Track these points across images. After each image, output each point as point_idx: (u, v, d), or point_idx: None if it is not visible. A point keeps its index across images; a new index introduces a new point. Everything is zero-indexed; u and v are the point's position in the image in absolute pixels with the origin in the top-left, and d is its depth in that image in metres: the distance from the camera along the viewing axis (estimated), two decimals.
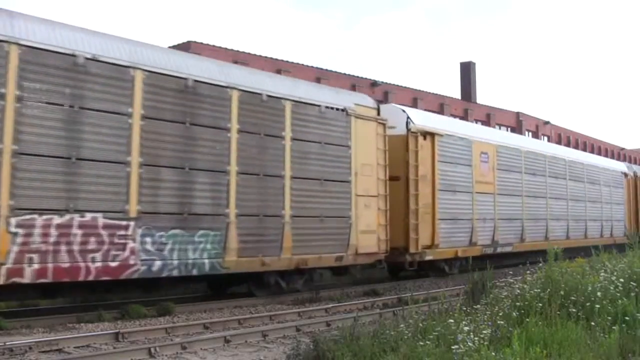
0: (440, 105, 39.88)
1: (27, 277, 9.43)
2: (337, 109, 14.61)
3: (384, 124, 15.93)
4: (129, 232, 10.64)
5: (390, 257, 16.09)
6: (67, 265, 9.83)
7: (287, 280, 13.82)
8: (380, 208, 15.54)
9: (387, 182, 15.79)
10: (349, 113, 14.87)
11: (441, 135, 17.96)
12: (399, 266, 17.14)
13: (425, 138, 17.36)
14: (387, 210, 15.73)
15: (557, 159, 24.72)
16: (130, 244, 10.64)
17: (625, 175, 31.16)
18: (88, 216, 10.17)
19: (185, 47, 25.16)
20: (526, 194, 22.02)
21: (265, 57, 29.95)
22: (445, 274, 18.30)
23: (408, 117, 17.13)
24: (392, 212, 16.00)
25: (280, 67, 28.46)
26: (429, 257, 17.24)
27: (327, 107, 14.35)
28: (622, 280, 8.85)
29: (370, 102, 16.15)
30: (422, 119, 18.07)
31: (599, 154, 55.65)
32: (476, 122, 38.54)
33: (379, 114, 15.95)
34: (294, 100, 13.58)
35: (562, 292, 8.03)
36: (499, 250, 20.34)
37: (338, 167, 14.55)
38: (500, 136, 23.10)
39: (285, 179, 13.31)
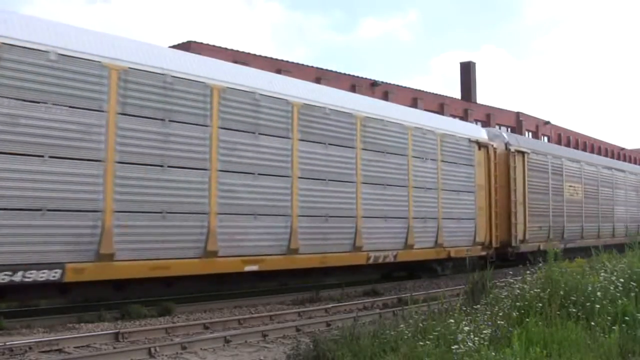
0: (440, 105, 39.92)
1: None
2: None
3: None
4: None
5: None
6: None
7: None
8: None
9: None
10: None
11: None
12: None
13: None
14: None
15: (305, 107, 13.96)
16: None
17: (481, 145, 19.22)
18: None
19: (186, 47, 25.17)
20: (198, 166, 11.83)
21: (265, 57, 30.00)
22: None
23: None
24: None
25: (280, 67, 28.48)
26: None
27: None
28: (622, 280, 8.85)
29: None
30: None
31: (599, 154, 55.17)
32: (476, 122, 38.42)
33: None
34: None
35: (562, 292, 8.03)
36: (91, 276, 10.36)
37: None
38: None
39: None
